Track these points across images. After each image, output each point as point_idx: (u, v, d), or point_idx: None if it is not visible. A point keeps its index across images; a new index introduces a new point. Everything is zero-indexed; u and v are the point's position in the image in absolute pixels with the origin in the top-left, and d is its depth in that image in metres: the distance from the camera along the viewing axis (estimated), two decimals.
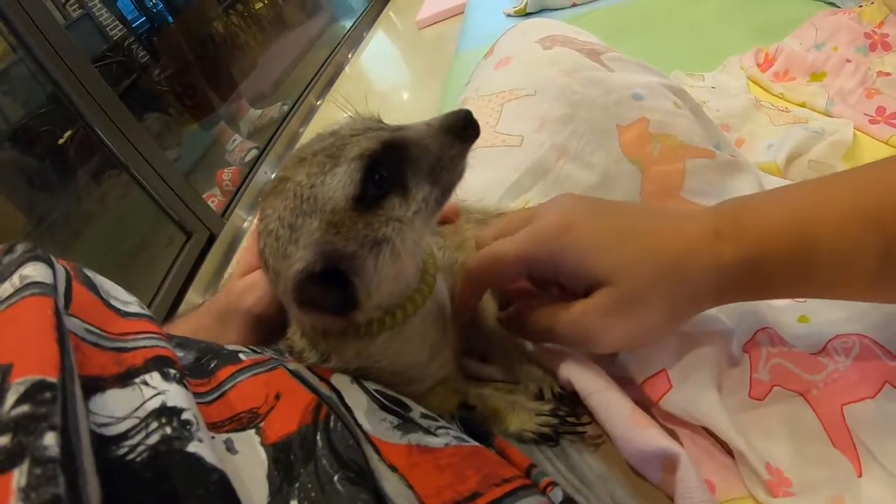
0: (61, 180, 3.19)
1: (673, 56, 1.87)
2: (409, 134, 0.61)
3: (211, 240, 3.16)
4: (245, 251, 0.80)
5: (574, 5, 2.67)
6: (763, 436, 0.63)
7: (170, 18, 4.74)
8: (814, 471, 0.59)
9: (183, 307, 2.77)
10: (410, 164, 0.61)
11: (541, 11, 2.68)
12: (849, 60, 1.48)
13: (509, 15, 2.84)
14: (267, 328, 0.76)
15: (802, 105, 1.48)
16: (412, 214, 0.60)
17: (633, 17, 2.32)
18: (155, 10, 4.66)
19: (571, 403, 0.72)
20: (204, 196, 3.45)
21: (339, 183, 0.57)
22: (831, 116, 1.39)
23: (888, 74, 1.39)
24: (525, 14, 2.74)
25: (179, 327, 0.84)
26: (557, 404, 0.73)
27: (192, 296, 2.83)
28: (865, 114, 1.33)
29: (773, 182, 1.11)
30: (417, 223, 0.61)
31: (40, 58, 2.55)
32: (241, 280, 0.78)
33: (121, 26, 4.33)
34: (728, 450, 0.63)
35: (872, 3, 1.58)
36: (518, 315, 0.74)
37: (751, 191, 0.99)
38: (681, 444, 0.63)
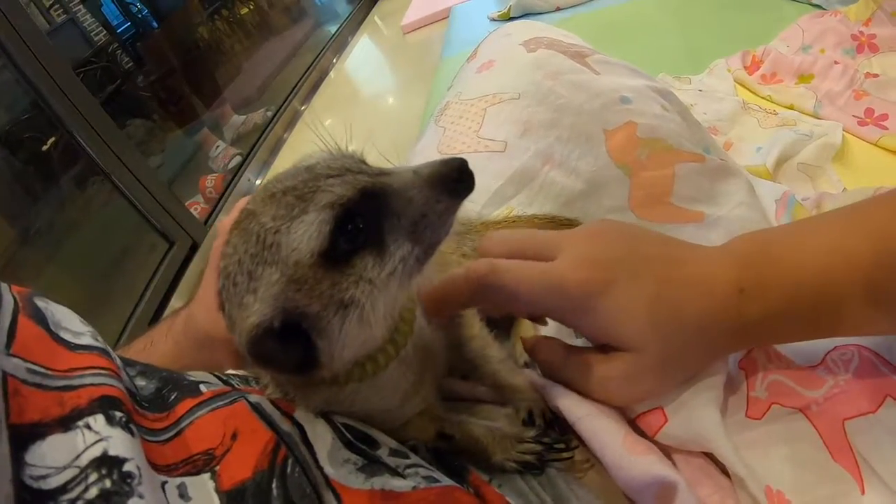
0: (45, 187, 3.15)
1: (659, 59, 1.87)
2: (392, 182, 0.54)
3: (194, 248, 3.13)
4: (213, 273, 0.72)
5: (558, 9, 2.67)
6: (762, 457, 0.60)
7: (155, 24, 4.72)
8: (816, 490, 0.57)
9: (167, 314, 2.73)
10: (390, 218, 0.54)
11: (524, 16, 2.69)
12: (836, 62, 1.48)
13: (493, 19, 2.85)
14: None
15: (790, 107, 1.48)
16: (386, 276, 0.53)
17: (618, 21, 2.32)
18: (140, 16, 4.64)
19: (561, 427, 0.68)
20: (187, 203, 3.42)
21: (306, 234, 0.50)
22: (819, 118, 1.39)
23: (876, 76, 1.39)
24: (509, 18, 2.75)
25: (158, 350, 0.81)
26: (545, 429, 0.69)
27: (175, 304, 2.80)
28: (854, 115, 1.32)
29: (764, 185, 1.09)
30: (392, 286, 0.54)
31: (20, 64, 2.52)
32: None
33: (105, 32, 4.30)
34: (725, 469, 0.61)
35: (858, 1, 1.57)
36: (538, 348, 0.73)
37: (741, 195, 0.97)
38: (675, 465, 0.61)
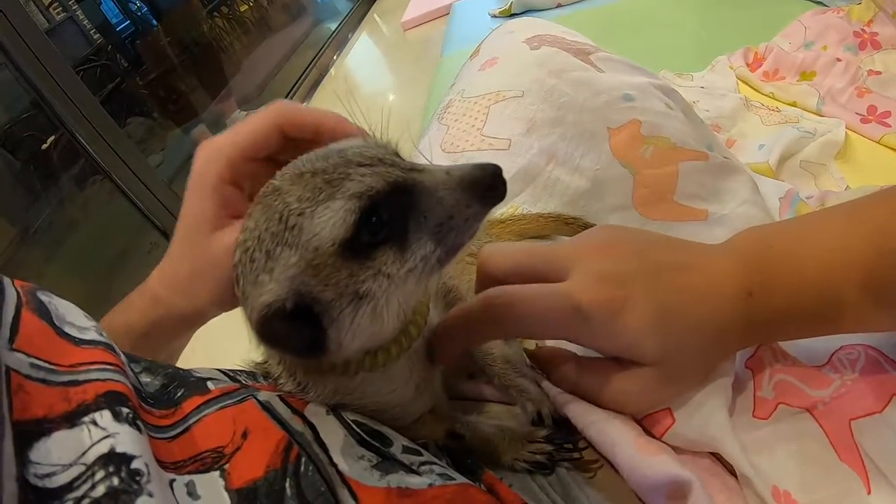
0: (45, 186, 3.15)
1: (661, 56, 1.86)
2: (424, 179, 0.53)
3: None
4: (203, 198, 0.64)
5: (559, 6, 2.66)
6: (769, 457, 0.60)
7: (154, 22, 4.71)
8: (823, 490, 0.56)
9: None
10: (416, 215, 0.53)
11: (526, 12, 2.68)
12: (839, 59, 1.47)
13: (494, 16, 2.83)
14: None
15: (793, 104, 1.47)
16: (405, 273, 0.52)
17: (619, 18, 2.31)
18: (139, 14, 4.63)
19: (570, 427, 0.67)
20: None
21: (330, 220, 0.49)
22: (822, 116, 1.38)
23: (879, 73, 1.38)
24: (510, 15, 2.73)
25: (135, 306, 0.79)
26: (555, 429, 0.68)
27: None
28: (857, 113, 1.32)
29: (768, 183, 1.09)
30: (409, 283, 0.53)
31: (20, 63, 2.51)
32: (216, 238, 0.64)
33: (105, 30, 4.29)
34: (732, 469, 0.61)
35: (860, 2, 1.57)
36: (550, 362, 0.71)
37: (745, 193, 0.97)
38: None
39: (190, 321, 0.77)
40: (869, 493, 0.55)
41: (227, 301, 0.64)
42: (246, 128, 0.62)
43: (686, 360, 0.61)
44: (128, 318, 0.78)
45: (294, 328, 0.52)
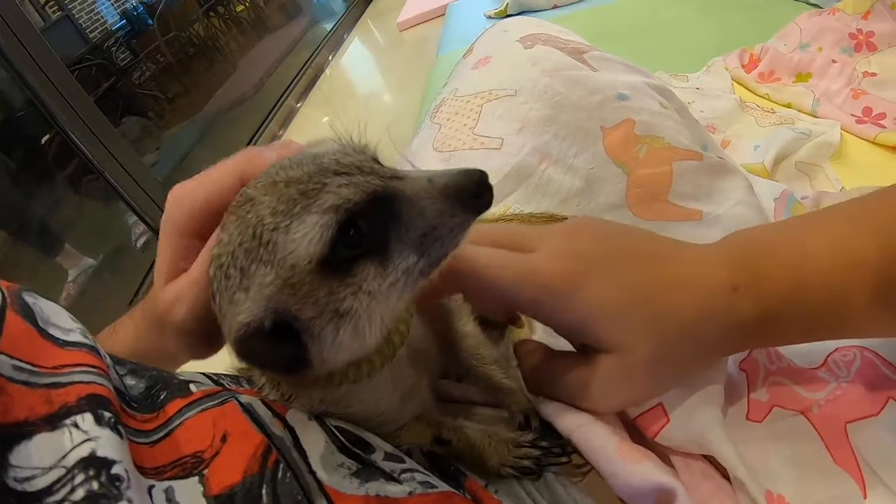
0: (39, 186, 3.13)
1: (656, 57, 1.86)
2: (405, 188, 0.50)
3: None
4: (163, 247, 0.65)
5: (555, 7, 2.67)
6: (763, 460, 0.59)
7: (150, 21, 4.72)
8: (817, 494, 0.56)
9: None
10: (397, 226, 0.50)
11: (521, 13, 2.68)
12: (834, 61, 1.48)
13: (490, 17, 2.84)
14: (206, 334, 0.62)
15: (788, 106, 1.47)
16: (387, 287, 0.50)
17: (615, 19, 2.31)
18: (135, 13, 4.65)
19: (558, 431, 0.65)
20: None
21: (305, 237, 0.46)
22: (817, 117, 1.38)
23: (874, 75, 1.38)
24: (506, 15, 2.74)
25: (119, 336, 0.79)
26: (542, 433, 0.67)
27: None
28: (852, 114, 1.32)
29: (763, 184, 1.09)
30: (392, 298, 0.50)
31: (14, 61, 2.50)
32: (165, 290, 0.64)
33: (100, 29, 4.30)
34: (725, 473, 0.60)
35: None
36: (520, 353, 0.70)
37: (740, 193, 0.96)
38: (673, 468, 0.60)
39: (170, 361, 0.76)
40: (865, 497, 0.54)
41: (192, 349, 0.63)
42: (210, 177, 0.59)
43: (655, 352, 0.58)
44: (111, 347, 0.78)
45: (273, 346, 0.50)
